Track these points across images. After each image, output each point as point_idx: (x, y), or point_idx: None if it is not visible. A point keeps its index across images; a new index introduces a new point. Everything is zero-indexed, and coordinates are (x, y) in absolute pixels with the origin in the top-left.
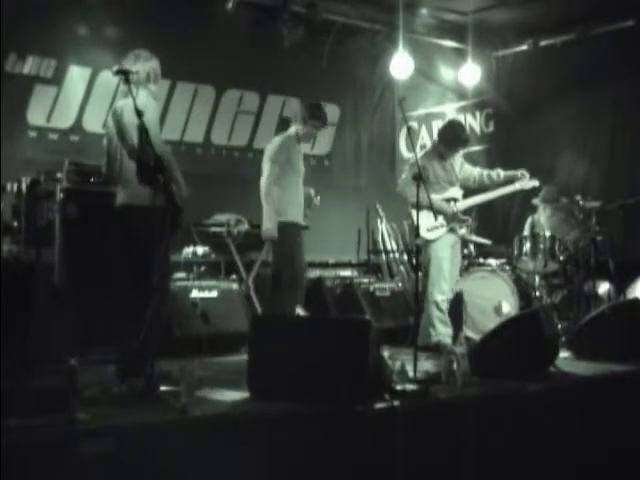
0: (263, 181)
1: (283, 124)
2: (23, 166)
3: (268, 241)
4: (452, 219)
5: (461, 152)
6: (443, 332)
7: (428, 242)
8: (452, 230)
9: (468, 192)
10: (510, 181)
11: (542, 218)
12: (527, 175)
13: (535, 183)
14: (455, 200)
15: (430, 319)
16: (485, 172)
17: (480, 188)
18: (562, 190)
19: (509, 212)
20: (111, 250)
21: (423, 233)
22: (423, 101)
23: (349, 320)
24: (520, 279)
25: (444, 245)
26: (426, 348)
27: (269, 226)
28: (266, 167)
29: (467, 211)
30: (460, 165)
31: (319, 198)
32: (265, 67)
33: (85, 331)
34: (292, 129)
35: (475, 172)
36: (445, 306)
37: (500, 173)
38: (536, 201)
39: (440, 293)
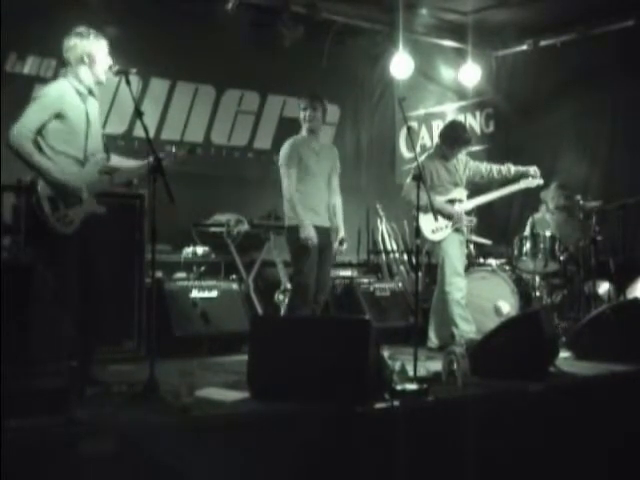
0: (285, 191)
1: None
2: (23, 166)
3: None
4: (457, 220)
5: (464, 152)
6: (467, 329)
7: (436, 243)
8: (458, 230)
9: (475, 190)
10: (515, 180)
11: (551, 222)
12: (538, 173)
13: (540, 181)
14: (459, 201)
15: (452, 318)
16: (495, 167)
17: (488, 184)
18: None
19: (509, 212)
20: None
21: (428, 235)
22: (423, 101)
23: (349, 320)
24: (520, 279)
25: (454, 242)
26: (441, 348)
27: (304, 233)
28: (282, 174)
29: (468, 211)
30: (465, 164)
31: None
32: (265, 67)
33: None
34: (303, 130)
35: (483, 168)
36: (464, 302)
37: (511, 168)
38: (543, 208)
39: (458, 290)
